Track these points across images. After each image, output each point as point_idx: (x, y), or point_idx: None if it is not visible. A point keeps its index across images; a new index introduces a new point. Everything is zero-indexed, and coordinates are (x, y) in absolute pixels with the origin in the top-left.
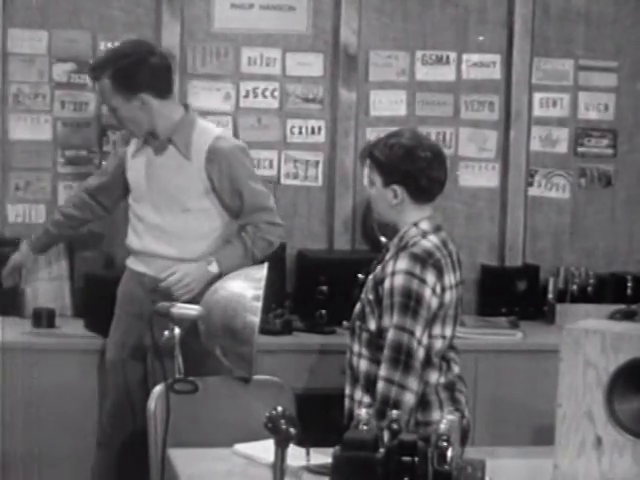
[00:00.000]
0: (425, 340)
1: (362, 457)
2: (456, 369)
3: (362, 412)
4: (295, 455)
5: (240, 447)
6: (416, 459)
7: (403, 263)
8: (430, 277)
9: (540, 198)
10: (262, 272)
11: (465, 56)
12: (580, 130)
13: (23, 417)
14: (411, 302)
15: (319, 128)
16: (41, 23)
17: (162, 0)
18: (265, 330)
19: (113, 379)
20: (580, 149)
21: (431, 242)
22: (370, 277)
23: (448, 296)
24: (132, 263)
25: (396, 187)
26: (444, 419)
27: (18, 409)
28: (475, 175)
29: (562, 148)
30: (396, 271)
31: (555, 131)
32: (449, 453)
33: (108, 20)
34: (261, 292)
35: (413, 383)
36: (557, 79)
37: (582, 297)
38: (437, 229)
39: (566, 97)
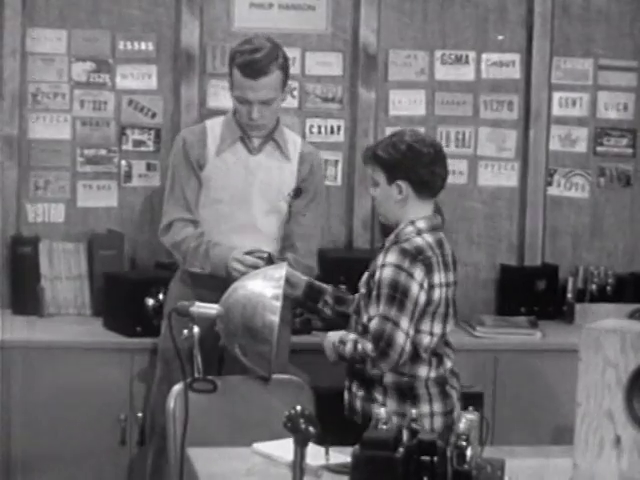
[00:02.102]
0: (411, 332)
1: (382, 456)
2: (449, 364)
3: (381, 411)
4: (314, 454)
5: (259, 446)
6: (435, 458)
7: (392, 257)
8: (418, 272)
9: (559, 198)
10: (281, 271)
11: (485, 55)
12: (599, 130)
13: (43, 416)
14: (397, 294)
15: (338, 128)
16: (60, 22)
17: None
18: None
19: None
20: (599, 149)
21: (424, 240)
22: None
23: (437, 294)
24: None
25: (400, 182)
26: (463, 418)
27: (38, 408)
28: (494, 175)
29: (581, 148)
30: (385, 264)
31: (574, 131)
32: (468, 452)
33: (127, 19)
34: (280, 291)
35: (386, 369)
36: (576, 78)
37: (601, 296)
38: (434, 228)
39: (585, 96)
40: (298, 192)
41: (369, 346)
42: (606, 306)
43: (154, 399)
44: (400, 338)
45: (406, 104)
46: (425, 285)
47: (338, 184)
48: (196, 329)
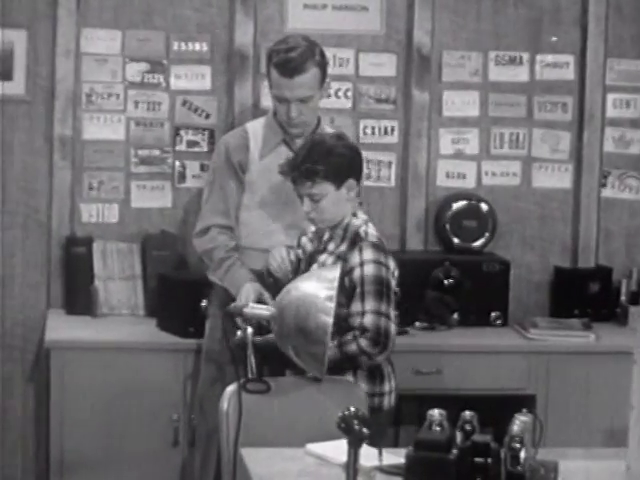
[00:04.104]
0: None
1: (435, 458)
2: None
3: (435, 412)
4: (367, 455)
5: (312, 447)
6: (489, 460)
7: (369, 253)
8: (391, 262)
9: (613, 199)
10: (335, 272)
11: (538, 57)
12: None
13: (95, 417)
14: (383, 288)
15: (392, 128)
16: (114, 23)
17: (235, 0)
18: None
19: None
20: None
21: (374, 229)
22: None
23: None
24: (256, 264)
25: (349, 180)
26: (517, 420)
27: (90, 409)
28: (548, 176)
29: (635, 149)
30: (364, 261)
31: (629, 132)
32: (522, 454)
33: (181, 20)
34: (334, 292)
35: (382, 360)
36: (631, 80)
37: None
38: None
39: None
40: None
41: (364, 342)
42: None
43: (199, 400)
44: (393, 329)
45: (459, 105)
46: (395, 274)
47: (391, 185)
48: (250, 330)
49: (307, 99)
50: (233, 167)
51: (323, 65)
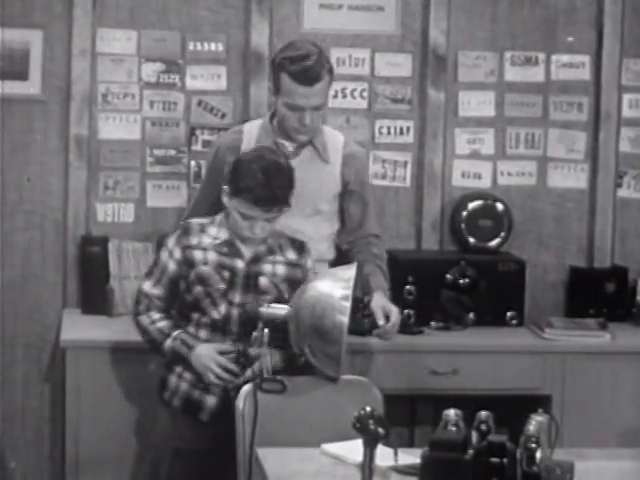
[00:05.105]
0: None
1: (451, 458)
2: None
3: (450, 412)
4: (383, 455)
5: (328, 447)
6: (505, 460)
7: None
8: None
9: (629, 199)
10: (351, 272)
11: (554, 57)
12: None
13: (111, 416)
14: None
15: (407, 129)
16: (130, 23)
17: (251, 0)
18: (353, 330)
19: None
20: None
21: None
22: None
23: None
24: None
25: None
26: (533, 420)
27: (106, 408)
28: (564, 176)
29: None
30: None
31: None
32: (538, 455)
33: (197, 20)
34: (350, 292)
35: None
36: None
37: None
38: None
39: None
40: None
41: None
42: None
43: None
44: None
45: (475, 105)
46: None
47: (407, 185)
48: (265, 330)
49: (320, 106)
50: (219, 168)
51: (332, 71)
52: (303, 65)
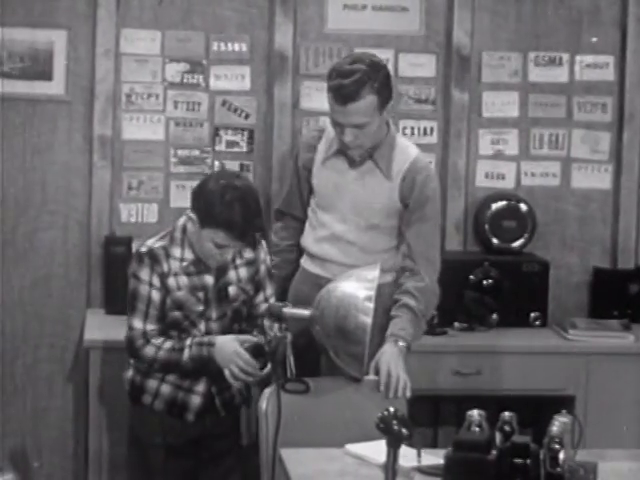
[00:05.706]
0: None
1: (474, 458)
2: None
3: (474, 413)
4: (406, 456)
5: (351, 447)
6: (528, 461)
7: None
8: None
9: None
10: (374, 273)
11: (578, 57)
12: None
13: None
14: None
15: (431, 129)
16: (154, 23)
17: (275, 1)
18: None
19: None
20: None
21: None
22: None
23: None
24: (308, 265)
25: None
26: (556, 421)
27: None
28: (588, 177)
29: None
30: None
31: None
32: (561, 455)
33: (221, 20)
34: (373, 293)
35: None
36: None
37: None
38: None
39: None
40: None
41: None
42: None
43: None
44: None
45: (499, 105)
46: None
47: None
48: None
49: (362, 125)
50: (297, 165)
51: (382, 90)
52: (340, 83)
